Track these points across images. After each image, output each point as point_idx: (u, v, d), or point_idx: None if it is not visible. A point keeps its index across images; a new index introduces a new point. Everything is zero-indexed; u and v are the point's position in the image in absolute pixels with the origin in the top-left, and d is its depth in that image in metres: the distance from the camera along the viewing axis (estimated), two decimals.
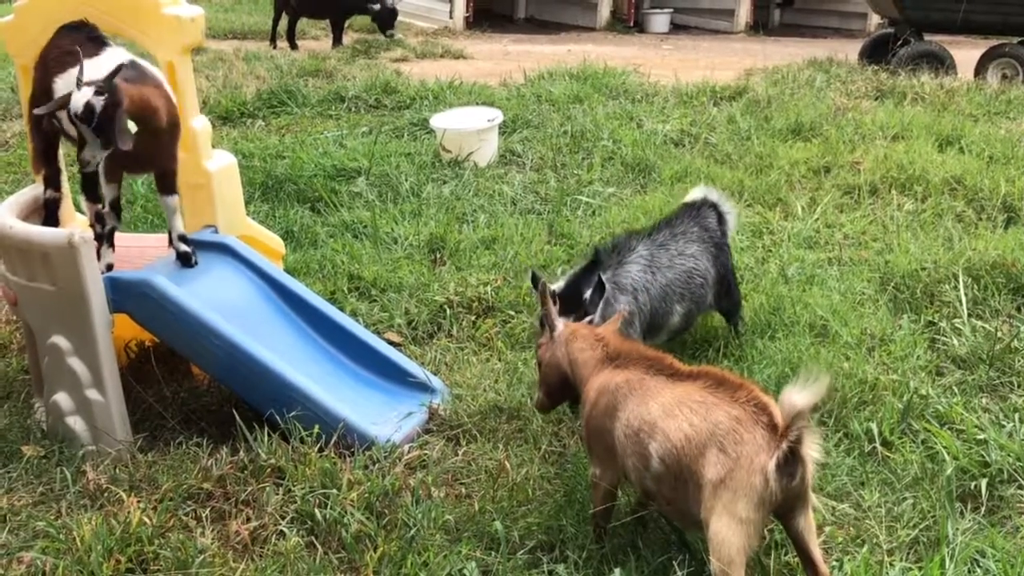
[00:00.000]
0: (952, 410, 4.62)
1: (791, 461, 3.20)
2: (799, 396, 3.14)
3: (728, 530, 3.21)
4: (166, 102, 4.50)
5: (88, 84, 4.13)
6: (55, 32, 4.77)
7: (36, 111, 4.53)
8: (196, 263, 4.76)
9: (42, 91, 4.71)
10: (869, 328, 5.45)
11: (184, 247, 4.76)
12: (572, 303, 4.52)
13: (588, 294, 4.53)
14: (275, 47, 15.80)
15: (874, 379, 4.87)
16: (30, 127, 4.96)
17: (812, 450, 3.25)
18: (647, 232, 5.17)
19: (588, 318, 4.39)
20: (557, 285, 4.57)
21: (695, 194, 5.55)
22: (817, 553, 3.40)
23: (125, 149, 4.18)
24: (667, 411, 3.45)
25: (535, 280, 4.36)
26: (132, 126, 4.26)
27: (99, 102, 4.09)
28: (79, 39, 4.63)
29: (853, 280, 6.05)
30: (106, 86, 4.12)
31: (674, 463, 3.39)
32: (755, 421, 3.27)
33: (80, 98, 4.11)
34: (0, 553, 3.77)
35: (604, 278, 4.60)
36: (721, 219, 5.42)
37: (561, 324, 4.07)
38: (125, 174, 4.85)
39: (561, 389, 4.06)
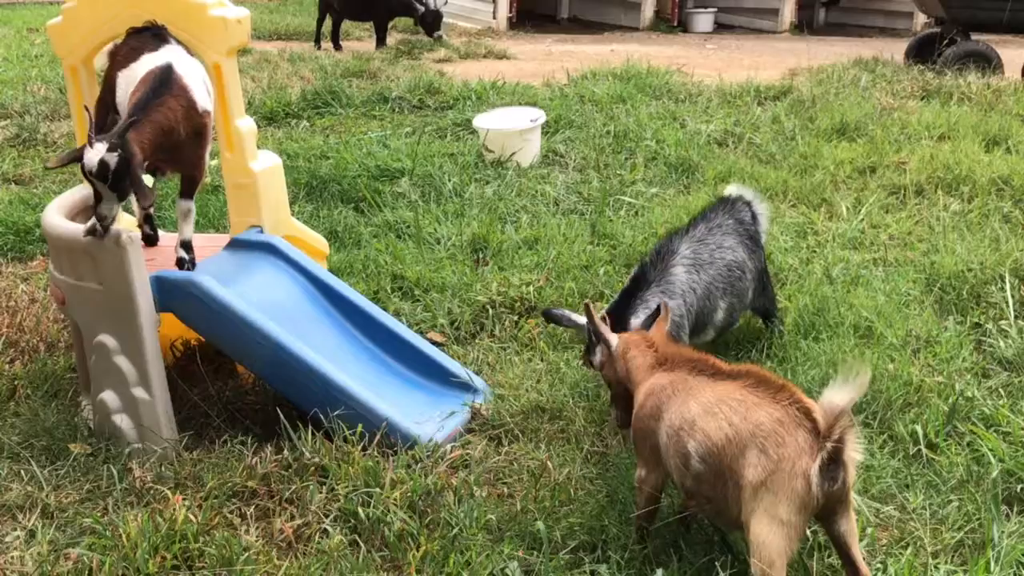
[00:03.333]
0: (998, 412, 4.58)
1: (834, 464, 3.18)
2: (839, 395, 3.13)
3: (769, 532, 3.21)
4: (186, 112, 4.50)
5: (100, 140, 4.13)
6: (126, 34, 4.83)
7: (47, 165, 4.57)
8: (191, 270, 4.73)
9: (106, 86, 4.82)
10: (914, 329, 5.40)
11: (183, 254, 4.73)
12: (619, 324, 4.50)
13: (638, 321, 4.53)
14: (320, 48, 15.87)
15: (919, 381, 4.83)
16: (93, 121, 5.01)
17: (855, 452, 3.24)
18: (685, 229, 5.13)
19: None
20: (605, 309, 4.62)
21: (730, 190, 5.53)
22: (858, 556, 3.39)
23: (146, 207, 4.23)
24: (707, 410, 3.45)
25: (548, 315, 4.61)
26: (149, 180, 4.32)
27: (113, 159, 4.09)
28: (145, 37, 4.71)
29: (898, 281, 6.01)
30: (119, 142, 4.12)
31: (715, 462, 3.38)
32: (797, 423, 3.26)
33: (94, 156, 4.10)
34: (48, 549, 3.82)
35: (651, 293, 4.67)
36: (754, 217, 5.38)
37: (615, 339, 4.07)
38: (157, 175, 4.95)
39: (631, 401, 3.98)
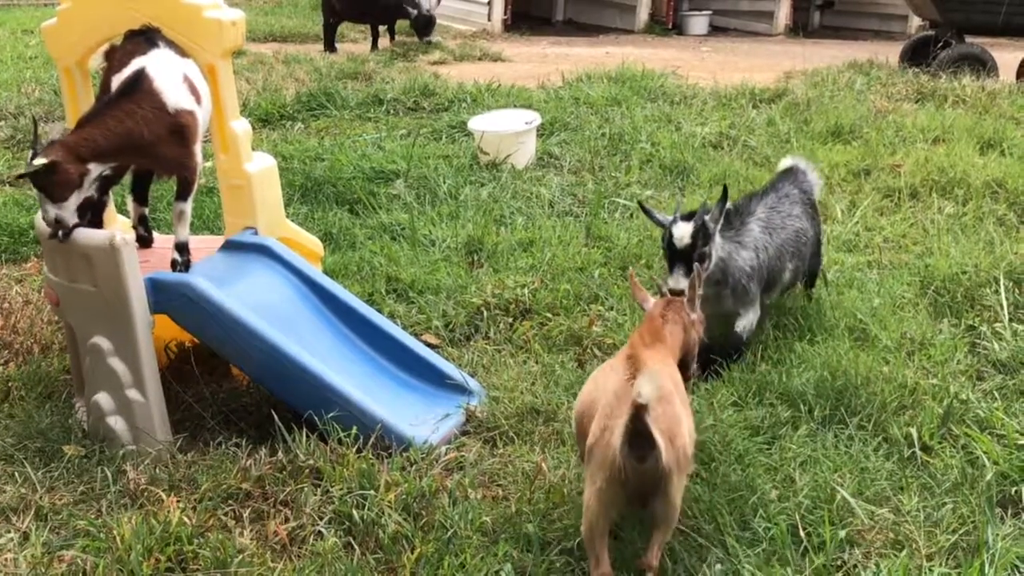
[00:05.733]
0: (993, 415, 4.58)
1: (639, 442, 3.24)
2: (639, 386, 3.20)
3: (590, 495, 3.44)
4: (154, 114, 4.54)
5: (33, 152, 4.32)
6: (124, 37, 4.87)
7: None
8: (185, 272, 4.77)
9: (102, 87, 4.85)
10: (909, 332, 5.41)
11: (177, 255, 4.77)
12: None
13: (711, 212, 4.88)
14: (334, 51, 15.73)
15: (914, 383, 4.84)
16: None
17: (661, 437, 3.27)
18: (760, 195, 5.48)
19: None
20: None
21: (787, 162, 5.91)
22: (656, 546, 3.44)
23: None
24: (593, 376, 3.65)
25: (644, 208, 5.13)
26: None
27: (35, 163, 4.28)
28: (138, 41, 4.74)
29: (893, 284, 6.01)
30: (40, 149, 4.31)
31: (580, 423, 3.56)
32: (628, 398, 3.33)
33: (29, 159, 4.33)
34: (42, 551, 3.81)
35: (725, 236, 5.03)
36: (810, 187, 5.78)
37: (649, 303, 4.12)
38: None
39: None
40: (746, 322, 5.20)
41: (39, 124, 9.92)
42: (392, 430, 4.43)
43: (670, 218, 4.89)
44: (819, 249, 5.78)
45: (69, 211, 4.38)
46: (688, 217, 4.87)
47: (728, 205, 5.02)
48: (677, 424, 3.40)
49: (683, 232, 4.79)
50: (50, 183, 4.32)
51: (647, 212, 5.08)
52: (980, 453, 4.27)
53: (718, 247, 4.97)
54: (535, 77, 12.88)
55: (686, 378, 4.22)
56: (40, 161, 4.25)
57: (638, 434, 3.23)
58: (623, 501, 3.45)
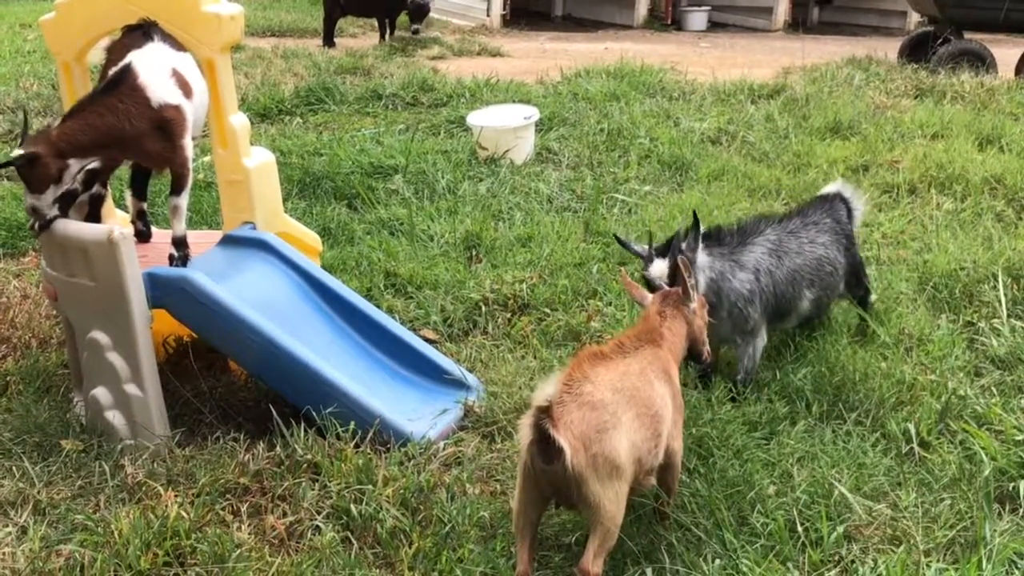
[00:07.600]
0: (990, 411, 4.59)
1: (543, 445, 3.28)
2: (540, 390, 3.28)
3: (515, 490, 3.52)
4: (137, 108, 4.58)
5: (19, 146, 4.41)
6: (122, 32, 4.93)
7: None
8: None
9: (101, 80, 4.85)
10: (907, 328, 5.41)
11: (174, 251, 4.82)
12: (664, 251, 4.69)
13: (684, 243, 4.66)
14: (333, 46, 15.74)
15: (912, 379, 4.84)
16: None
17: (565, 443, 3.28)
18: (777, 219, 5.29)
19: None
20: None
21: (829, 188, 5.70)
22: (589, 549, 3.41)
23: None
24: None
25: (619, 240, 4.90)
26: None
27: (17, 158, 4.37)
28: (135, 36, 4.79)
29: (891, 279, 6.01)
30: (26, 144, 4.39)
31: None
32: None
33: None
34: (40, 546, 3.81)
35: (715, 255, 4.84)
36: (850, 214, 5.53)
37: (647, 300, 4.13)
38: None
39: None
40: (748, 351, 4.97)
41: (39, 118, 9.95)
42: (390, 425, 4.43)
43: (646, 250, 4.69)
44: (859, 278, 5.47)
45: (46, 203, 4.44)
46: (663, 251, 4.66)
47: (725, 226, 4.96)
48: (598, 431, 3.39)
49: (660, 271, 4.58)
50: (30, 174, 4.38)
51: (623, 244, 4.86)
52: (978, 449, 4.27)
53: (707, 267, 4.79)
54: (534, 72, 12.89)
55: (702, 365, 4.32)
56: (19, 152, 4.31)
57: (542, 437, 3.27)
58: (539, 500, 3.50)
